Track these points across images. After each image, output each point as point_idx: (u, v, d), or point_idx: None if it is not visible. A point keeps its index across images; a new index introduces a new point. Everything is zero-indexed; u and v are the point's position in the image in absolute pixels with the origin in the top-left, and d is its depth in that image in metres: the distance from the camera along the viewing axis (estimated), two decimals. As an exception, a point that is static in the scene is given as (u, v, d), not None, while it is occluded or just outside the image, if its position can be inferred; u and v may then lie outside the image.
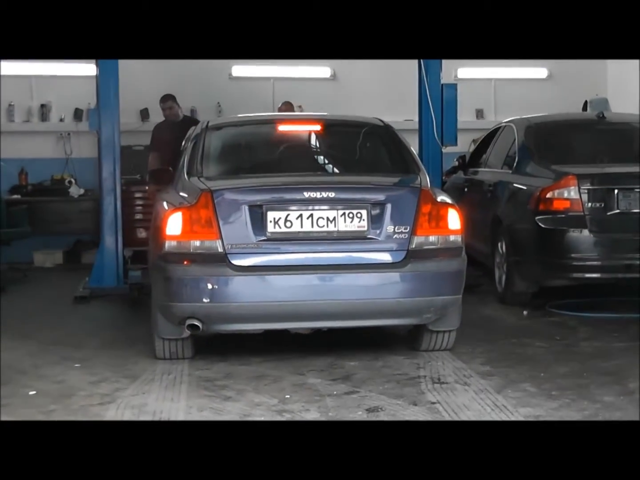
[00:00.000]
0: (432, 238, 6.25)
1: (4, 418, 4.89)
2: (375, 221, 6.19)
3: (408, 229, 6.19)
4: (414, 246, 6.20)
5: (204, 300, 6.05)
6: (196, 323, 6.11)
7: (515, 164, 8.70)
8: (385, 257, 6.25)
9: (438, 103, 9.33)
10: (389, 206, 6.23)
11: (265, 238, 6.12)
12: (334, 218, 6.16)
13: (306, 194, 6.19)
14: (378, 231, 6.20)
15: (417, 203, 6.25)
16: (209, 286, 6.02)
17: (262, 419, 5.11)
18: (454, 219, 6.32)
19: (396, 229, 6.19)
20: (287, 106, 11.38)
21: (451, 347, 6.67)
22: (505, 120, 9.76)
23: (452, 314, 6.50)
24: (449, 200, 6.47)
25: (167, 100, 10.62)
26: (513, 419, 5.06)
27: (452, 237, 6.31)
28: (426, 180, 6.65)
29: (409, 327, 6.74)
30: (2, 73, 11.17)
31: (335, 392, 5.63)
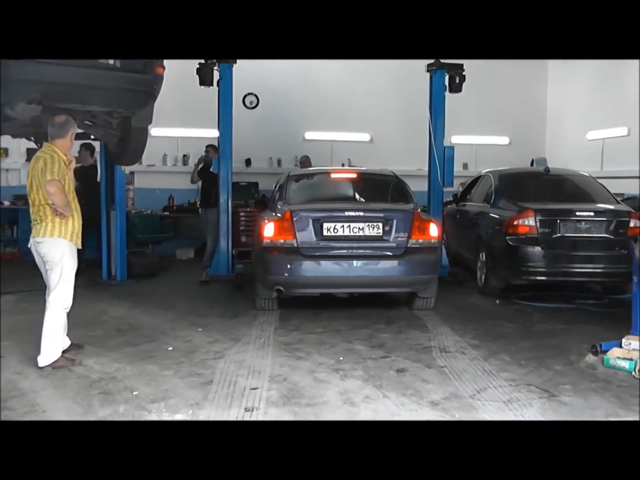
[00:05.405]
0: (420, 240, 6.47)
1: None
2: (387, 230, 6.43)
3: (406, 235, 6.44)
4: (409, 245, 6.43)
5: (285, 274, 6.31)
6: (280, 288, 6.44)
7: (492, 200, 8.19)
8: (393, 251, 6.44)
9: (441, 158, 8.84)
10: (395, 221, 6.46)
11: (321, 238, 6.36)
12: (363, 227, 6.42)
13: (346, 213, 6.49)
14: (389, 236, 6.43)
15: (412, 220, 6.49)
16: (288, 266, 6.29)
17: (324, 375, 4.70)
18: (433, 230, 6.56)
19: (399, 235, 6.43)
20: (306, 158, 10.81)
21: (432, 307, 6.80)
22: (484, 171, 9.24)
23: (431, 286, 6.68)
24: (431, 219, 6.79)
25: (208, 147, 9.74)
26: (497, 382, 4.56)
27: (432, 240, 6.55)
28: (417, 207, 6.81)
29: (407, 294, 6.92)
30: (161, 134, 10.91)
31: (373, 356, 5.20)
